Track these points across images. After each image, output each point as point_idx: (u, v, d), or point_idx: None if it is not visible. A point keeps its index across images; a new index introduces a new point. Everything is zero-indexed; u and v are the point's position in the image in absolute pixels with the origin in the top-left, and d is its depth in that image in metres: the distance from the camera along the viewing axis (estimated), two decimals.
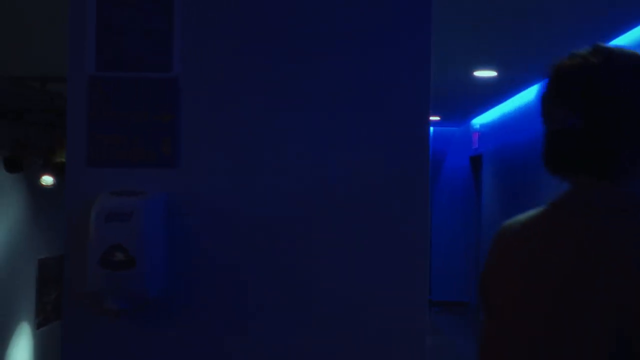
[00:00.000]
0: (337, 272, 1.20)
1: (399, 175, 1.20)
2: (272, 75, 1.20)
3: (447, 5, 3.33)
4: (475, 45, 4.71)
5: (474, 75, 5.82)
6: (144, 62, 1.19)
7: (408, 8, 1.20)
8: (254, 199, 1.19)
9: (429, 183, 1.22)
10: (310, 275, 1.20)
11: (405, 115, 1.20)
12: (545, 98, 0.97)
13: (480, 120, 9.61)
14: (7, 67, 5.64)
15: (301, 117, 1.20)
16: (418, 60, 1.20)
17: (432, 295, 10.38)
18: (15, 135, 6.03)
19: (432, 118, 9.55)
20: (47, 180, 6.47)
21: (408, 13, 1.20)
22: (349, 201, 1.19)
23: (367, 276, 1.20)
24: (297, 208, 1.20)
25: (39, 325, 7.56)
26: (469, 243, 10.45)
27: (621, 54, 0.90)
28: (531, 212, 0.99)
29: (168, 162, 1.18)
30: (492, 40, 4.56)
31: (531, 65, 5.53)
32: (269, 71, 1.20)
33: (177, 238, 1.18)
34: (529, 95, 7.21)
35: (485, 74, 5.76)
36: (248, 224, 1.19)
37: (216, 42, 1.20)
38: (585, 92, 0.89)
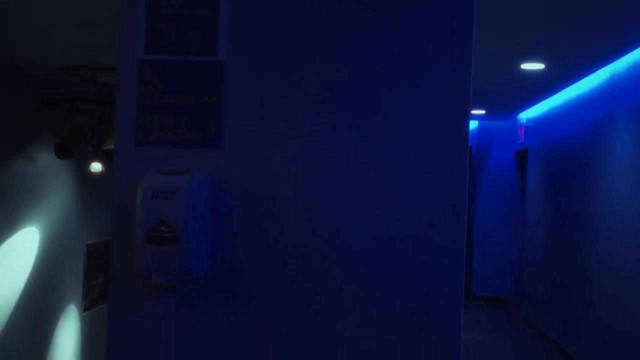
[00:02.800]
0: (374, 263, 1.21)
1: (437, 172, 1.21)
2: (314, 62, 1.22)
3: None
4: (523, 37, 4.64)
5: (521, 69, 5.74)
6: (190, 46, 1.22)
7: (450, 14, 1.20)
8: (293, 183, 1.22)
9: (467, 179, 1.22)
10: (348, 263, 1.21)
11: (445, 112, 1.21)
12: None
13: (527, 114, 9.46)
14: (60, 57, 5.79)
15: (344, 106, 1.21)
16: (458, 62, 1.21)
17: (473, 289, 10.29)
18: (67, 123, 6.19)
19: (477, 112, 9.43)
20: (96, 167, 6.63)
21: (450, 27, 1.20)
22: (387, 193, 1.21)
23: (402, 268, 1.21)
24: (337, 197, 1.21)
25: (85, 308, 7.76)
26: (512, 238, 10.32)
27: None
28: None
29: (212, 144, 1.22)
30: (540, 33, 4.48)
31: (580, 57, 5.42)
32: (312, 57, 1.22)
33: (220, 218, 1.22)
34: (577, 88, 7.07)
35: (532, 66, 5.67)
36: (287, 207, 1.22)
37: (261, 29, 1.22)
38: None
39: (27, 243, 6.64)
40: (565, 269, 7.45)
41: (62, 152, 6.10)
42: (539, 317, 8.58)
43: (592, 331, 6.51)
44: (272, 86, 1.22)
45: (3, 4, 4.15)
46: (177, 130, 1.22)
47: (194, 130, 1.22)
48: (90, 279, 7.87)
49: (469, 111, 1.22)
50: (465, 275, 1.24)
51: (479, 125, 10.29)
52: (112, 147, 6.32)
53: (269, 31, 1.22)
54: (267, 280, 1.22)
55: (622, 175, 5.83)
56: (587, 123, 6.79)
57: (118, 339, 1.23)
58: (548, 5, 3.86)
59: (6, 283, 6.30)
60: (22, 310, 6.54)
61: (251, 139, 1.22)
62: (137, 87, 1.23)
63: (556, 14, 4.05)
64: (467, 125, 1.22)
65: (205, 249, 1.19)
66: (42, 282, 6.88)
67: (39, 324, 6.93)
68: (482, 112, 9.19)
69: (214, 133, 1.22)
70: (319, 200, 1.21)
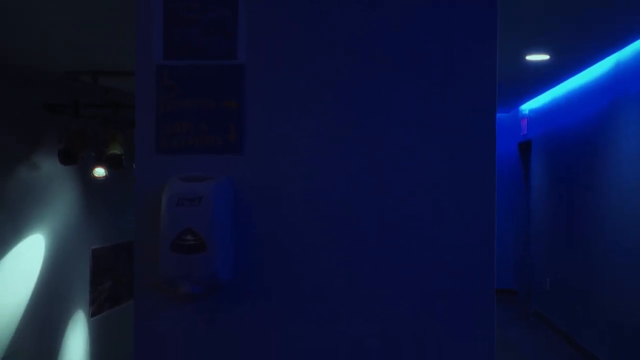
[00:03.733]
0: (403, 263, 1.19)
1: (464, 164, 1.19)
2: (336, 62, 1.20)
3: None
4: (528, 29, 4.62)
5: (526, 60, 5.72)
6: (209, 50, 1.20)
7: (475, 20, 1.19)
8: (316, 187, 1.20)
9: (495, 171, 1.21)
10: (375, 265, 1.20)
11: (471, 105, 1.19)
12: None
13: (529, 105, 9.44)
14: (61, 62, 5.77)
15: (369, 107, 1.20)
16: (484, 56, 1.19)
17: None
18: (69, 128, 6.18)
19: None
20: (100, 172, 6.62)
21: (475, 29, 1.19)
22: (415, 191, 1.19)
23: (433, 265, 1.19)
24: (361, 198, 1.20)
25: (93, 313, 7.76)
26: (518, 230, 10.31)
27: None
28: None
29: (234, 149, 1.20)
30: (545, 24, 4.46)
31: (585, 47, 5.40)
32: (331, 60, 1.20)
33: (243, 223, 1.20)
34: (581, 78, 7.05)
35: (537, 57, 5.65)
36: (309, 211, 1.20)
37: (280, 30, 1.20)
38: None
39: (33, 250, 6.63)
40: (573, 260, 7.43)
41: (66, 158, 6.09)
42: (548, 309, 8.57)
43: (602, 322, 6.49)
44: (294, 88, 1.20)
45: (3, 9, 4.13)
46: (198, 136, 1.20)
47: (215, 135, 1.20)
48: (97, 284, 7.86)
49: (494, 105, 1.20)
50: None
51: None
52: (117, 151, 6.32)
53: (288, 32, 1.20)
54: (277, 281, 1.20)
55: (627, 164, 5.80)
56: (592, 112, 6.77)
57: (144, 344, 1.22)
58: None
59: (14, 290, 6.29)
60: (30, 318, 6.54)
61: (273, 143, 1.20)
62: (157, 94, 1.21)
63: (561, 3, 4.03)
64: (494, 124, 1.20)
65: (230, 256, 1.18)
66: (49, 288, 6.87)
67: (47, 331, 6.93)
68: None
69: (235, 138, 1.20)
70: (341, 200, 1.20)
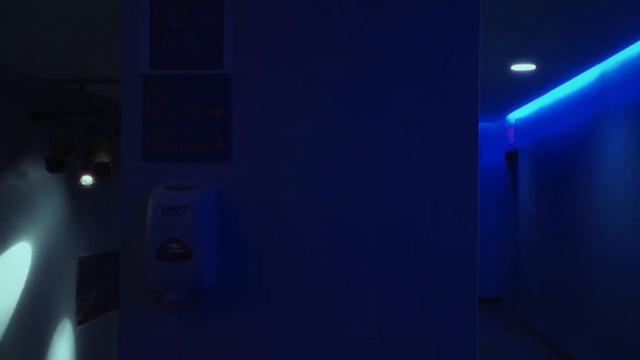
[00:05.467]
0: (401, 266, 1.20)
1: (446, 172, 1.20)
2: (319, 72, 1.21)
3: None
4: (514, 38, 4.66)
5: (512, 70, 5.76)
6: (195, 59, 1.21)
7: (457, 23, 1.20)
8: (300, 190, 1.21)
9: (478, 178, 1.22)
10: (372, 267, 1.20)
11: (454, 113, 1.20)
12: None
13: (516, 114, 9.50)
14: (47, 69, 5.76)
15: (352, 115, 1.21)
16: (466, 58, 1.21)
17: None
18: (56, 136, 6.15)
19: None
20: (87, 180, 6.59)
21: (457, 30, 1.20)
22: (413, 193, 1.20)
23: (431, 268, 1.20)
24: (348, 204, 1.21)
25: (79, 322, 7.71)
26: (505, 239, 10.35)
27: None
28: None
29: (220, 156, 1.20)
30: (531, 33, 4.50)
31: (571, 57, 5.45)
32: (318, 68, 1.21)
33: (228, 232, 1.21)
34: (567, 88, 7.11)
35: (523, 67, 5.69)
36: (293, 213, 1.21)
37: (266, 40, 1.21)
38: None
39: (19, 258, 6.58)
40: (559, 267, 7.48)
41: (53, 165, 6.06)
42: (534, 316, 8.60)
43: (587, 329, 6.53)
44: (278, 96, 1.21)
45: None
46: (184, 144, 1.21)
47: (201, 143, 1.21)
48: (84, 292, 7.81)
49: (477, 107, 1.21)
50: None
51: None
52: (104, 159, 6.28)
53: (274, 42, 1.21)
54: (274, 285, 1.21)
55: (613, 173, 5.86)
56: (578, 122, 6.83)
57: (130, 352, 1.21)
58: (538, 5, 3.88)
59: (0, 298, 6.24)
60: (17, 326, 6.48)
61: (258, 150, 1.21)
62: (143, 102, 1.21)
63: (547, 13, 4.07)
64: (476, 126, 1.21)
65: (215, 263, 1.18)
66: (35, 297, 6.82)
67: (33, 339, 6.87)
68: None
69: (221, 145, 1.21)
70: (325, 204, 1.21)
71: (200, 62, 1.21)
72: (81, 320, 7.74)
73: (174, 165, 1.21)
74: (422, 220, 1.20)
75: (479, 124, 1.21)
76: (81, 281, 7.68)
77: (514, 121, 9.59)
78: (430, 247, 1.20)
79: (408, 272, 1.20)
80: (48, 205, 7.02)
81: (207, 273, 1.15)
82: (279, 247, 1.21)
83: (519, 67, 5.65)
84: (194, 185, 1.18)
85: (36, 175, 6.63)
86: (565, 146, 7.30)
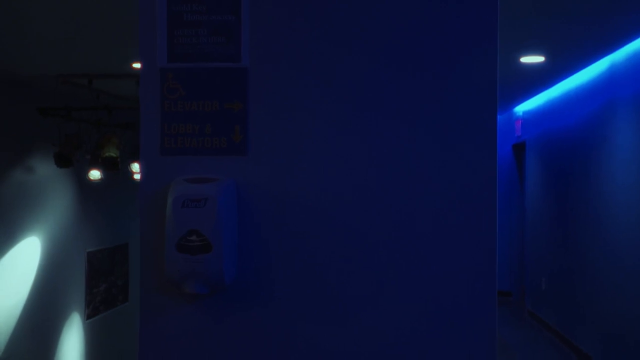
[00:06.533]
0: (407, 265, 1.20)
1: (466, 165, 1.20)
2: (339, 64, 1.21)
3: None
4: (523, 30, 4.64)
5: (521, 62, 5.73)
6: (213, 53, 1.21)
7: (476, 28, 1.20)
8: (321, 186, 1.21)
9: (496, 171, 1.22)
10: (381, 263, 1.21)
11: (471, 106, 1.20)
12: None
13: (523, 107, 9.48)
14: (55, 65, 5.77)
15: (371, 107, 1.21)
16: (483, 54, 1.21)
17: None
18: (64, 131, 6.18)
19: None
20: (95, 174, 6.62)
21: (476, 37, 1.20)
22: (423, 193, 1.20)
23: (434, 265, 1.21)
24: (363, 198, 1.21)
25: (88, 316, 7.75)
26: (512, 232, 10.34)
27: None
28: None
29: (239, 150, 1.21)
30: (540, 25, 4.48)
31: (580, 48, 5.43)
32: (336, 62, 1.21)
33: (245, 224, 1.21)
34: (575, 79, 7.08)
35: (532, 59, 5.67)
36: (312, 209, 1.21)
37: (284, 32, 1.22)
38: None
39: (28, 253, 6.61)
40: (568, 261, 7.46)
41: (62, 161, 6.09)
42: (542, 309, 8.60)
43: (596, 322, 6.52)
44: (298, 89, 1.21)
45: None
46: (203, 138, 1.21)
47: (220, 137, 1.21)
48: (92, 286, 7.85)
49: (495, 104, 1.21)
50: None
51: None
52: (112, 154, 6.31)
53: (291, 35, 1.21)
54: (292, 282, 1.21)
55: (622, 165, 5.84)
56: (586, 114, 6.80)
57: (149, 344, 1.22)
58: None
59: (9, 294, 6.28)
60: (26, 320, 6.52)
61: (276, 144, 1.21)
62: (160, 96, 1.22)
63: (556, 5, 4.05)
64: (495, 121, 1.21)
65: (234, 256, 1.19)
66: (44, 291, 6.86)
67: (43, 334, 6.91)
68: None
69: (240, 139, 1.21)
70: (342, 199, 1.21)
71: (218, 55, 1.21)
72: (90, 314, 7.78)
73: (192, 158, 1.22)
74: (432, 221, 1.20)
75: None
76: (90, 275, 7.72)
77: (521, 114, 9.56)
78: (449, 245, 1.20)
79: (419, 270, 1.21)
80: (57, 200, 7.05)
81: (227, 265, 1.16)
82: (297, 240, 1.21)
83: (528, 59, 5.62)
84: (214, 177, 1.18)
85: (45, 171, 6.66)
86: (573, 138, 7.28)
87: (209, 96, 1.21)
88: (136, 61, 5.50)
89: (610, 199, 6.13)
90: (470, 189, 1.20)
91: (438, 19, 1.20)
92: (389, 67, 1.21)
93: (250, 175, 1.22)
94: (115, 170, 6.35)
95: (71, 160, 6.11)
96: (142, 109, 1.22)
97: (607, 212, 6.20)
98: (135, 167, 6.88)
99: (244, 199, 1.21)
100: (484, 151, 1.21)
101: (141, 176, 1.23)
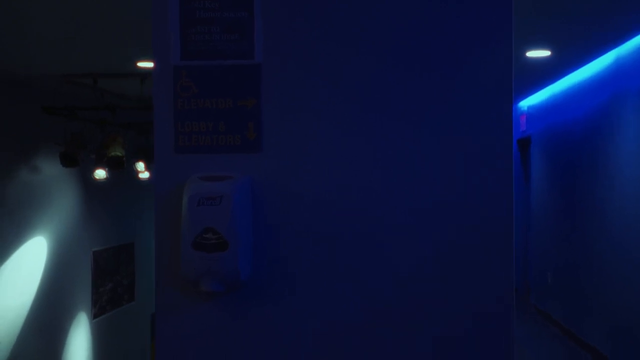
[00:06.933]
0: (422, 263, 1.20)
1: (473, 167, 1.20)
2: (352, 61, 1.21)
3: None
4: (529, 25, 4.62)
5: (527, 56, 5.71)
6: (226, 50, 1.21)
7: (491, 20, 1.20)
8: (333, 183, 1.21)
9: (512, 164, 1.21)
10: (394, 261, 1.20)
11: (480, 107, 1.20)
12: None
13: (528, 102, 9.46)
14: (60, 65, 5.77)
15: (384, 104, 1.20)
16: (498, 55, 1.21)
17: None
18: (70, 131, 6.19)
19: None
20: (100, 174, 6.63)
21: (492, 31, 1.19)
22: (437, 192, 1.20)
23: (449, 259, 1.20)
24: (378, 195, 1.20)
25: (95, 315, 7.76)
26: (518, 227, 10.33)
27: None
28: None
29: (253, 147, 1.21)
30: (546, 19, 4.47)
31: (586, 43, 5.41)
32: (350, 56, 1.20)
33: (260, 222, 1.21)
34: (581, 74, 7.06)
35: (538, 54, 5.65)
36: (327, 206, 1.21)
37: (297, 29, 1.21)
38: None
39: (35, 252, 6.63)
40: (574, 254, 7.45)
41: (67, 160, 6.10)
42: (548, 303, 8.59)
43: (602, 316, 6.52)
44: (312, 86, 1.21)
45: (1, 13, 4.13)
46: (217, 135, 1.21)
47: (234, 134, 1.21)
48: (99, 286, 7.86)
49: (510, 105, 1.21)
50: None
51: None
52: (118, 153, 6.32)
53: (304, 31, 1.21)
54: (307, 278, 1.21)
55: (629, 157, 5.82)
56: (593, 107, 6.78)
57: (166, 342, 1.22)
58: None
59: (17, 293, 6.29)
60: (34, 320, 6.54)
61: (291, 141, 1.21)
62: (174, 94, 1.22)
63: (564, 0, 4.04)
64: (510, 122, 1.21)
65: (249, 253, 1.19)
66: (51, 291, 6.87)
67: (49, 333, 6.93)
68: None
69: (254, 136, 1.21)
70: (356, 195, 1.21)
71: (231, 52, 1.21)
72: (97, 313, 7.79)
73: (206, 156, 1.22)
74: (445, 220, 1.20)
75: None
76: (96, 274, 7.73)
77: (525, 108, 9.54)
78: (456, 245, 1.20)
79: (434, 268, 1.20)
80: (62, 200, 7.06)
81: (242, 262, 1.15)
82: (311, 237, 1.21)
83: (534, 54, 5.60)
84: (229, 175, 1.18)
85: (51, 170, 6.67)
86: (579, 132, 7.26)
87: (222, 93, 1.21)
88: (140, 60, 5.50)
89: (616, 191, 6.12)
90: (481, 193, 1.19)
91: (446, 20, 1.20)
92: (397, 67, 1.20)
93: (264, 171, 1.21)
94: (121, 169, 6.36)
95: (77, 160, 6.12)
96: (155, 108, 1.22)
97: (614, 205, 6.18)
98: (140, 166, 6.89)
99: (258, 196, 1.21)
100: (495, 153, 1.20)
101: (156, 175, 1.23)
